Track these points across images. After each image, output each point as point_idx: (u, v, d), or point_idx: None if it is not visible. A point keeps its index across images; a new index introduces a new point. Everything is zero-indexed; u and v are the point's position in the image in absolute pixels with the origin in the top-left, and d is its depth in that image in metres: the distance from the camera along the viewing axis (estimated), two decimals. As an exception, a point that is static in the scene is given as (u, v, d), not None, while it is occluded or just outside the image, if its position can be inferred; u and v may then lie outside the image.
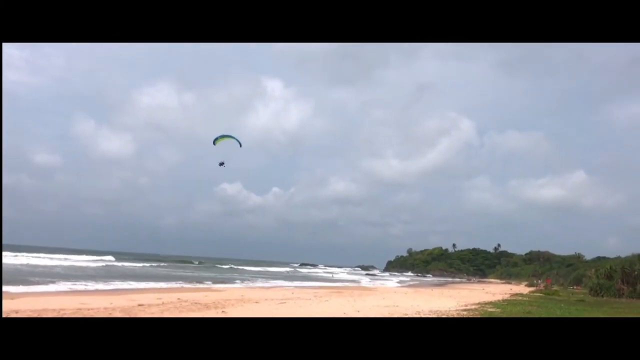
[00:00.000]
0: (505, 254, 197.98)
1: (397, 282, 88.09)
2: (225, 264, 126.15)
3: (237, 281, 55.74)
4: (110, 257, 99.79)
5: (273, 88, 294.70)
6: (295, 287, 50.78)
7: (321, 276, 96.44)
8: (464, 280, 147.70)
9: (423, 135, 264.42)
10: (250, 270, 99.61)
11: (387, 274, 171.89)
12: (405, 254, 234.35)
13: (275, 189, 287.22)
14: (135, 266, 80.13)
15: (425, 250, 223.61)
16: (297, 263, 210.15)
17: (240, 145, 30.08)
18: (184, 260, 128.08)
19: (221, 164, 30.65)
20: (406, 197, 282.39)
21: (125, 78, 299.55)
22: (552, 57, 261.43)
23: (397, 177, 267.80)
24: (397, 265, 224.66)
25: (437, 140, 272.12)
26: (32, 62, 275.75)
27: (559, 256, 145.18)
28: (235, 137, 30.18)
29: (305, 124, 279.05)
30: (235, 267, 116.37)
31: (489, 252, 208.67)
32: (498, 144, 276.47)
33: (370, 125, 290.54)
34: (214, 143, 29.35)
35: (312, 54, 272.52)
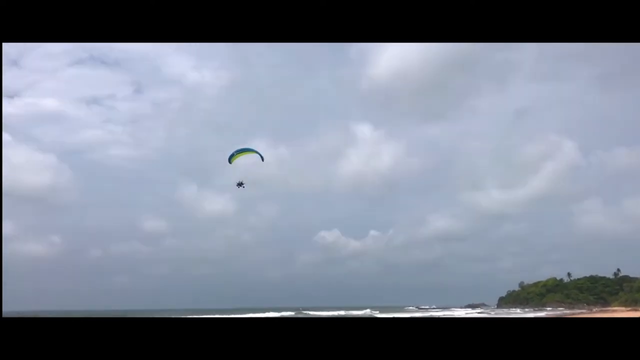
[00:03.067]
0: (627, 279, 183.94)
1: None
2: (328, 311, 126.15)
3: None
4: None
5: (363, 131, 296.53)
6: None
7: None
8: (584, 311, 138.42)
9: (524, 161, 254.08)
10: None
11: (500, 310, 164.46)
12: (517, 288, 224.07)
13: (373, 232, 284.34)
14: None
15: (539, 282, 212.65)
16: (402, 306, 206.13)
17: (263, 160, 27.56)
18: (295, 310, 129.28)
19: (240, 184, 28.27)
20: (512, 228, 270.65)
21: (220, 140, 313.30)
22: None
23: (501, 208, 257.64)
24: (510, 301, 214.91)
25: (539, 166, 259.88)
26: (135, 135, 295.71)
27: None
28: (256, 150, 27.68)
29: (399, 163, 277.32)
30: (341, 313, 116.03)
31: (608, 279, 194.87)
32: (606, 162, 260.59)
33: (466, 158, 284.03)
34: (230, 161, 27.09)
35: (398, 92, 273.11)
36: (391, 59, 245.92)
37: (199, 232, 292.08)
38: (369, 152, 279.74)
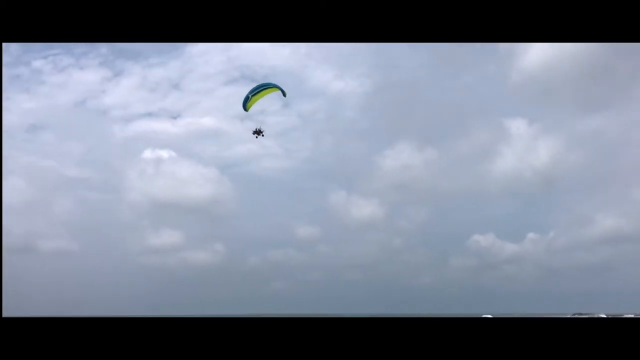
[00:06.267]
0: None
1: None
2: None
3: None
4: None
5: (518, 127, 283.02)
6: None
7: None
8: None
9: None
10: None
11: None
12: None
13: (531, 235, 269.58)
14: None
15: None
16: (567, 313, 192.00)
17: (285, 95, 23.22)
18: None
19: (257, 132, 24.55)
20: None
21: (365, 146, 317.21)
22: None
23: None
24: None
25: None
26: (285, 147, 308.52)
27: None
28: (275, 84, 23.13)
29: (558, 160, 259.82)
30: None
31: None
32: None
33: (638, 150, 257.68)
34: (246, 109, 23.10)
35: (553, 82, 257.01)
36: (544, 47, 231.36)
37: (349, 237, 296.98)
38: (525, 148, 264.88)
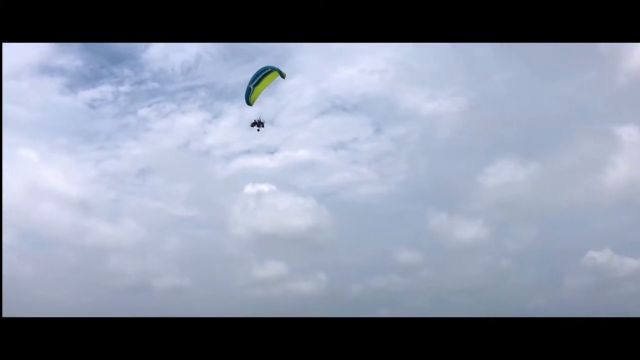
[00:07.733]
0: None
1: None
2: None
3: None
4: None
5: (629, 134, 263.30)
6: None
7: None
8: None
9: None
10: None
11: None
12: None
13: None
14: None
15: None
16: None
17: (284, 77, 21.20)
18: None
19: (258, 124, 22.47)
20: None
21: (464, 165, 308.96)
22: None
23: None
24: None
25: None
26: (379, 172, 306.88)
27: None
28: (273, 67, 21.13)
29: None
30: None
31: None
32: None
33: None
34: (250, 102, 21.21)
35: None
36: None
37: (453, 260, 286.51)
38: (638, 155, 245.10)
